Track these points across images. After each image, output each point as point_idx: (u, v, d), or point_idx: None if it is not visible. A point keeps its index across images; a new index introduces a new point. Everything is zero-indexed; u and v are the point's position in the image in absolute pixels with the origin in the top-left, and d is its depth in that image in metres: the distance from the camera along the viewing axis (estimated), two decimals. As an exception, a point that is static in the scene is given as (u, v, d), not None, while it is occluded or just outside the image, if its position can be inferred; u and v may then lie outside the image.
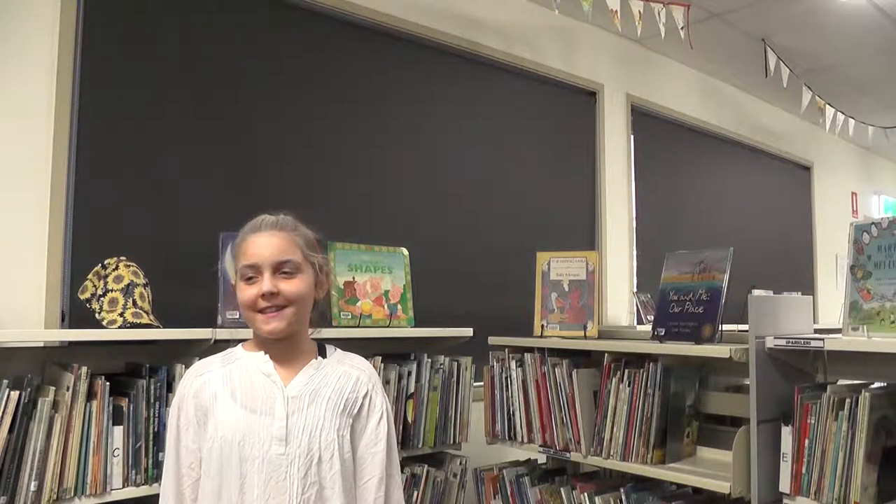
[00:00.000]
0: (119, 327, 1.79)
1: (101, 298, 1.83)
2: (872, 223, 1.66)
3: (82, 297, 1.85)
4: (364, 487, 1.41)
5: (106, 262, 1.87)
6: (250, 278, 1.36)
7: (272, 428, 1.33)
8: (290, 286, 1.36)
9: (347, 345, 2.29)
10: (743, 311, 1.69)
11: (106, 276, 1.85)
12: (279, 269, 1.36)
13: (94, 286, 1.85)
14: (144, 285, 1.88)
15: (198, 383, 1.39)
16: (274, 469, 1.31)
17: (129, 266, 1.88)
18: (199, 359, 1.77)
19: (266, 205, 2.33)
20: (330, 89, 2.58)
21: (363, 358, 1.55)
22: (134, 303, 1.83)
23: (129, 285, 1.85)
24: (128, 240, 2.07)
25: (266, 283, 1.34)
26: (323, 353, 1.48)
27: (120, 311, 1.81)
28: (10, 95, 1.91)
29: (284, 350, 1.41)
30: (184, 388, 1.40)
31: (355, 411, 1.42)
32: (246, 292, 1.36)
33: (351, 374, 1.46)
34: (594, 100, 3.57)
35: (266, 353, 1.40)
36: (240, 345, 1.47)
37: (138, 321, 1.81)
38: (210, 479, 1.34)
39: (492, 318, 2.82)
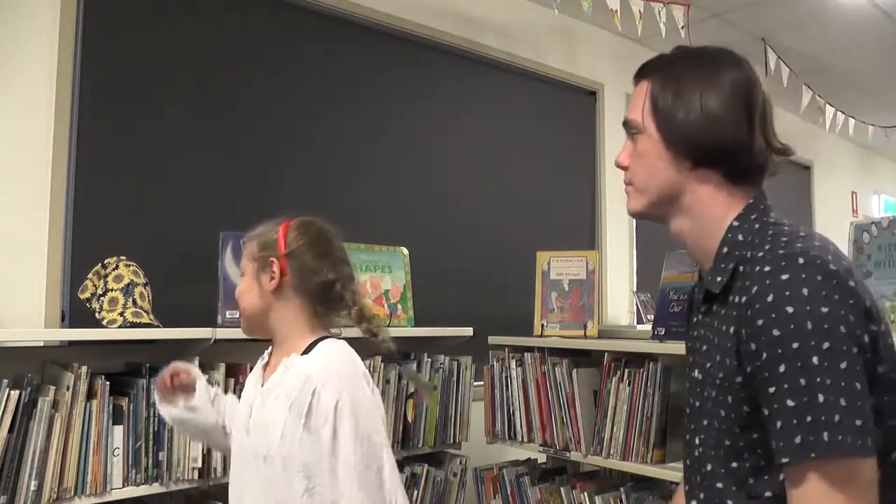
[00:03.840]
0: (119, 326, 1.79)
1: (101, 298, 1.83)
2: (872, 223, 1.66)
3: (82, 296, 1.85)
4: (291, 491, 1.33)
5: (106, 261, 1.87)
6: None
7: (242, 417, 1.42)
8: (237, 289, 1.47)
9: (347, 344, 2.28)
10: (743, 311, 1.68)
11: (106, 276, 1.85)
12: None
13: (94, 285, 1.85)
14: (144, 285, 1.88)
15: None
16: (239, 457, 1.41)
17: (129, 265, 1.87)
18: (200, 358, 1.80)
19: (266, 204, 2.34)
20: (330, 89, 2.58)
21: (334, 351, 1.42)
22: (134, 302, 1.83)
23: (129, 285, 1.85)
24: (128, 239, 2.07)
25: None
26: (309, 351, 1.41)
27: (120, 310, 1.81)
28: (10, 95, 1.91)
29: (274, 348, 1.47)
30: None
31: (304, 410, 1.33)
32: None
33: (304, 372, 1.36)
34: (594, 99, 3.57)
35: (270, 348, 1.50)
36: None
37: (138, 321, 1.81)
38: None
39: (492, 317, 2.82)
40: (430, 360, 2.29)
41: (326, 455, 1.30)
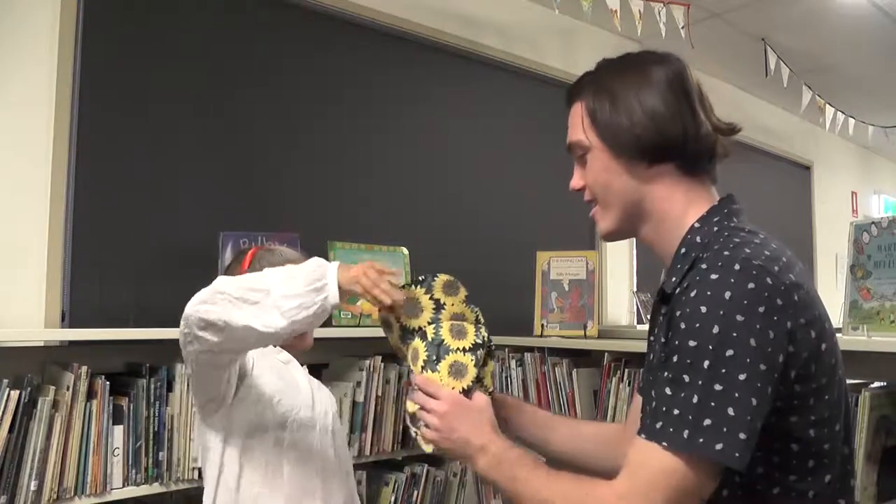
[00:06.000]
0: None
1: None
2: (872, 222, 1.66)
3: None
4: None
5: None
6: None
7: (300, 395, 1.48)
8: None
9: (347, 344, 2.29)
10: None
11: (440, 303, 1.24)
12: None
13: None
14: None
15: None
16: (306, 431, 1.46)
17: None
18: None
19: (266, 204, 2.34)
20: (330, 89, 2.58)
21: None
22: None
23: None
24: (128, 239, 2.07)
25: None
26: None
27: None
28: (9, 95, 1.91)
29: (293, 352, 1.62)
30: None
31: None
32: None
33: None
34: (594, 99, 3.56)
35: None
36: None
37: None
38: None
39: (492, 317, 2.81)
40: (430, 360, 2.28)
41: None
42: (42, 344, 1.83)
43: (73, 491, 1.64)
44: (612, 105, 1.00)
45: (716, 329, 0.83)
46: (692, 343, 0.84)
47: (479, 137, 3.05)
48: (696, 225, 0.98)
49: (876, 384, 1.59)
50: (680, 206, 1.01)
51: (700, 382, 0.82)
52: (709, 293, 0.85)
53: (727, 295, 0.84)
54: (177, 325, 1.86)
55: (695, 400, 0.82)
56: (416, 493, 2.22)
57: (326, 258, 2.38)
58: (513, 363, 2.27)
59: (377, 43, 2.72)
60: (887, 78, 4.26)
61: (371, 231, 2.53)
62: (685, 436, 0.82)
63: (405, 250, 2.43)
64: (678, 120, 0.98)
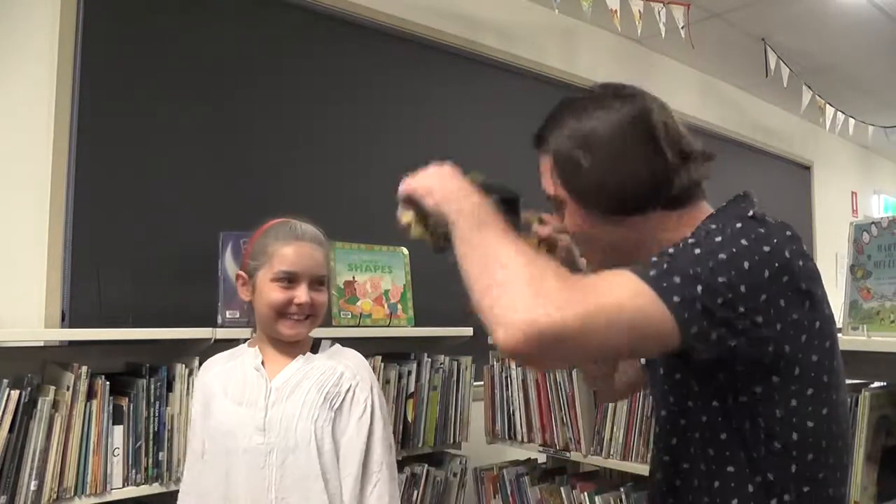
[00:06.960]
0: None
1: None
2: (872, 222, 1.66)
3: None
4: (343, 482, 1.43)
5: None
6: (286, 283, 1.44)
7: (254, 418, 1.41)
8: (320, 298, 1.48)
9: (347, 344, 2.29)
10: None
11: None
12: (315, 281, 1.47)
13: None
14: None
15: (205, 378, 1.52)
16: (254, 458, 1.39)
17: None
18: (200, 358, 1.80)
19: (266, 204, 2.33)
20: (330, 89, 2.58)
21: (358, 354, 1.58)
22: None
23: None
24: (128, 239, 2.07)
25: (304, 294, 1.44)
26: (315, 350, 1.55)
27: None
28: (10, 95, 1.91)
29: (282, 347, 1.50)
30: (198, 380, 1.57)
31: (337, 405, 1.45)
32: (281, 295, 1.44)
33: (336, 370, 1.49)
34: (594, 99, 3.55)
35: (260, 349, 1.50)
36: (248, 341, 1.57)
37: None
38: (205, 469, 1.45)
39: (492, 317, 2.81)
40: (430, 359, 2.29)
41: (360, 443, 1.44)
42: (42, 344, 1.83)
43: (73, 491, 1.64)
44: (577, 166, 0.96)
45: (743, 242, 0.84)
46: (691, 240, 0.86)
47: (479, 137, 3.05)
48: (711, 215, 0.98)
49: (876, 384, 1.59)
50: (674, 229, 0.96)
51: (681, 246, 0.85)
52: (719, 226, 0.88)
53: (738, 225, 0.87)
54: (177, 324, 1.88)
55: (671, 251, 0.84)
56: (416, 493, 2.22)
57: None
58: (513, 363, 2.27)
59: (377, 43, 2.72)
60: (887, 78, 4.26)
61: (371, 231, 2.53)
62: (651, 273, 0.80)
63: (405, 250, 2.43)
64: (647, 168, 0.93)
